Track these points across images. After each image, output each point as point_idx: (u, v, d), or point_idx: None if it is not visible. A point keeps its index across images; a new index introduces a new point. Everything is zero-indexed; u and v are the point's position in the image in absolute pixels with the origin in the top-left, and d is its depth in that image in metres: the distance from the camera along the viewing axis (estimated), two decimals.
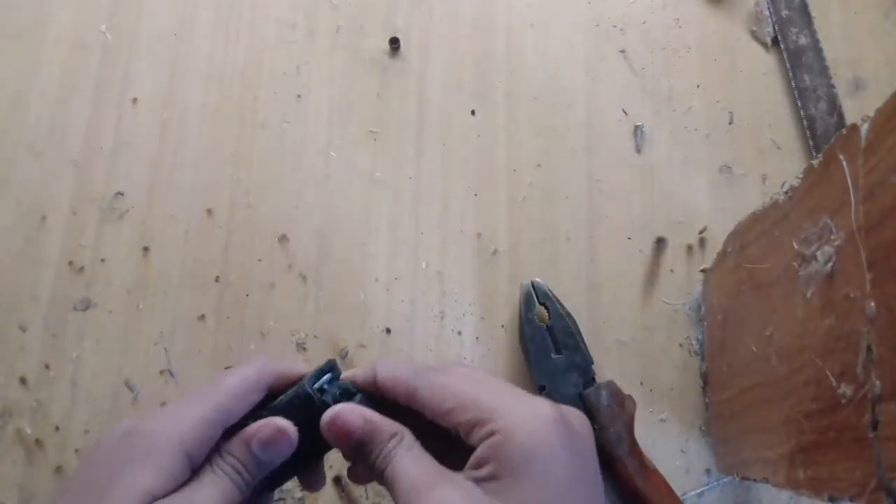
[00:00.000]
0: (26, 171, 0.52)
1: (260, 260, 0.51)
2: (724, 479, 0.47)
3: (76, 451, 0.47)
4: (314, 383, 0.32)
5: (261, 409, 0.32)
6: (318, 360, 0.48)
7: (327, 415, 0.31)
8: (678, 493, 0.45)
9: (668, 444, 0.47)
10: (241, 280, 0.50)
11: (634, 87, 0.55)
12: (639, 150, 0.53)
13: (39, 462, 0.47)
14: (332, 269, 0.51)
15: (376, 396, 0.32)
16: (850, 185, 0.28)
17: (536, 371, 0.45)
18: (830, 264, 0.30)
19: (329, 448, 0.32)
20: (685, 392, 0.49)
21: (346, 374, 0.33)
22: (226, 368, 0.48)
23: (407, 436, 0.30)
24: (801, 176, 0.34)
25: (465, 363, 0.48)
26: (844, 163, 0.29)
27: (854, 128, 0.29)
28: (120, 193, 0.52)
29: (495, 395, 0.29)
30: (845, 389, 0.28)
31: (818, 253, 0.31)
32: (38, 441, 0.47)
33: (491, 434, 0.27)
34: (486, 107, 0.54)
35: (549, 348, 0.46)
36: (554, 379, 0.45)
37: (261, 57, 0.55)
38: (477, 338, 0.50)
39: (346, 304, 0.50)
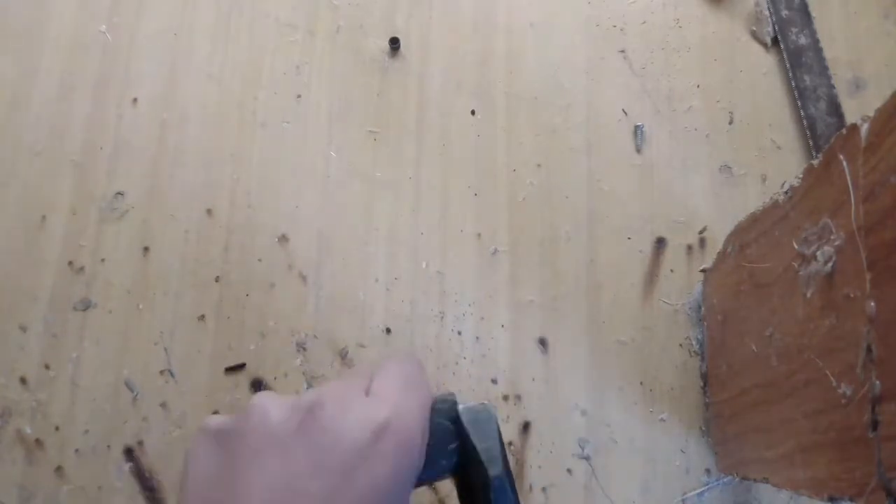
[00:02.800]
0: (26, 171, 0.52)
1: (260, 260, 0.51)
2: (724, 479, 0.47)
3: (76, 451, 0.47)
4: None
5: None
6: (318, 360, 0.49)
7: None
8: (678, 493, 0.45)
9: (668, 444, 0.47)
10: (241, 280, 0.50)
11: (634, 87, 0.55)
12: (639, 150, 0.53)
13: (39, 462, 0.47)
14: (332, 269, 0.51)
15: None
16: (850, 185, 0.28)
17: None
18: (830, 264, 0.30)
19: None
20: (685, 392, 0.49)
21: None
22: (229, 369, 0.48)
23: None
24: (801, 176, 0.34)
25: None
26: (844, 163, 0.29)
27: (854, 128, 0.28)
28: (120, 193, 0.52)
29: None
30: (845, 389, 0.28)
31: (818, 253, 0.31)
32: (38, 441, 0.47)
33: None
34: (486, 107, 0.54)
35: None
36: None
37: (261, 57, 0.55)
38: (477, 338, 0.49)
39: (346, 304, 0.50)
